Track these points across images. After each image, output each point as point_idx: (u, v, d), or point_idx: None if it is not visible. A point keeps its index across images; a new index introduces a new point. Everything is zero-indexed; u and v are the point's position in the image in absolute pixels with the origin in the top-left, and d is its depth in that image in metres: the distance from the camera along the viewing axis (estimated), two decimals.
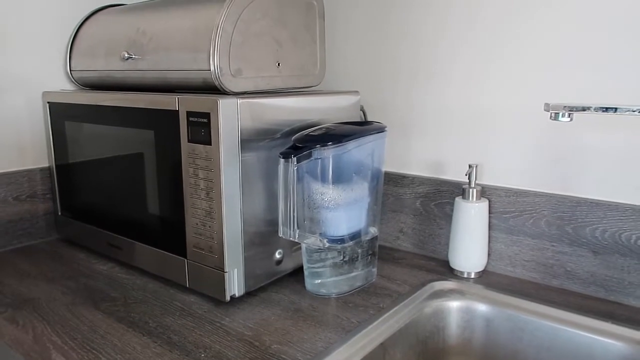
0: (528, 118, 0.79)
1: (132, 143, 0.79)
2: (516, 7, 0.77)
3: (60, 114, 0.92)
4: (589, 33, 0.72)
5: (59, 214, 0.97)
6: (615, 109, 0.53)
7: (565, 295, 0.75)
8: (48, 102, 0.93)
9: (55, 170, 0.96)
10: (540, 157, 0.79)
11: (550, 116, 0.55)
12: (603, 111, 0.52)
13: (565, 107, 0.54)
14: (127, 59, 0.81)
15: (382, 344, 0.64)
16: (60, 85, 0.99)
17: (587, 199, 0.74)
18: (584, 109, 0.54)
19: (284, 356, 0.59)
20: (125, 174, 0.81)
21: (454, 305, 0.76)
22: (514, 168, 0.81)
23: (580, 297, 0.75)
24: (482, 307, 0.75)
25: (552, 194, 0.77)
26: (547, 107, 0.55)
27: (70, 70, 0.95)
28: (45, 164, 0.99)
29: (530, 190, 0.80)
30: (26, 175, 0.96)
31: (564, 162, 0.76)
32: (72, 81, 0.97)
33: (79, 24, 0.95)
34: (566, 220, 0.76)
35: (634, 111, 0.53)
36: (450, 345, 0.76)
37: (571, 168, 0.76)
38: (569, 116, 0.54)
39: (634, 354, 0.62)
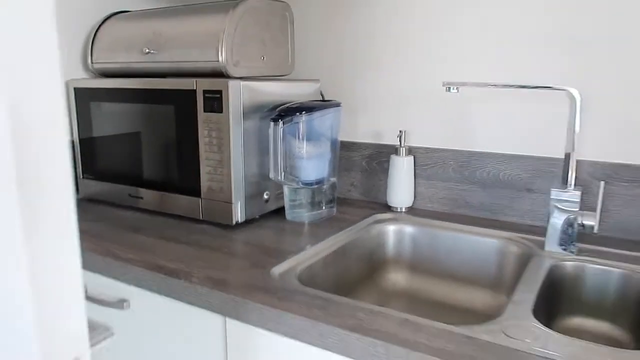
0: (438, 96, 1.13)
1: (153, 116, 1.06)
2: (428, 21, 1.11)
3: (85, 97, 1.17)
4: (474, 40, 1.06)
5: (82, 177, 1.22)
6: (486, 84, 0.87)
7: (465, 218, 1.10)
8: (74, 88, 1.18)
9: (78, 143, 1.21)
10: (446, 123, 1.13)
11: (446, 89, 0.89)
12: (476, 86, 0.86)
13: (450, 83, 0.88)
14: (147, 53, 1.08)
15: (342, 246, 0.95)
16: (76, 75, 1.23)
17: (478, 151, 1.09)
18: (463, 84, 0.88)
19: (278, 249, 0.89)
20: (145, 139, 1.08)
21: (390, 228, 1.08)
22: (430, 132, 1.15)
23: (475, 218, 1.10)
24: (409, 229, 1.08)
25: (454, 149, 1.12)
26: (444, 84, 0.89)
27: (92, 63, 1.20)
28: (69, 138, 1.23)
29: (440, 148, 1.14)
30: None
31: (462, 126, 1.11)
32: (92, 72, 1.22)
33: (97, 26, 1.20)
34: (464, 167, 1.11)
35: (496, 85, 0.88)
36: (388, 256, 1.09)
37: (467, 130, 1.11)
38: (456, 89, 0.88)
39: (501, 244, 0.97)
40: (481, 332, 0.61)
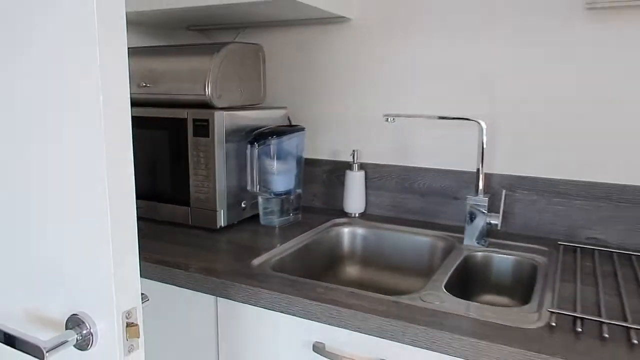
0: (383, 122, 1.38)
1: (150, 139, 1.27)
2: (373, 59, 1.37)
3: None
4: (410, 77, 1.33)
5: None
6: (415, 116, 1.13)
7: (407, 221, 1.35)
8: None
9: None
10: (391, 143, 1.38)
11: (385, 119, 1.14)
12: (407, 117, 1.11)
13: (388, 114, 1.13)
14: (144, 86, 1.30)
15: (306, 244, 1.19)
16: None
17: (416, 166, 1.35)
18: (398, 116, 1.14)
19: (255, 247, 1.11)
20: (142, 158, 1.29)
21: (345, 230, 1.33)
22: (378, 151, 1.41)
23: (415, 221, 1.35)
24: (360, 230, 1.32)
25: (398, 165, 1.38)
26: (383, 115, 1.15)
27: None
28: None
29: (386, 164, 1.39)
30: None
31: (403, 146, 1.37)
32: None
33: None
34: (406, 180, 1.37)
35: (422, 116, 1.14)
36: (344, 253, 1.33)
37: (407, 149, 1.37)
38: (393, 119, 1.14)
39: (432, 241, 1.23)
40: (404, 299, 0.86)
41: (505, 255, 1.12)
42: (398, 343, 0.79)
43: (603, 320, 0.77)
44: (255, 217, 1.33)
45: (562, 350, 0.69)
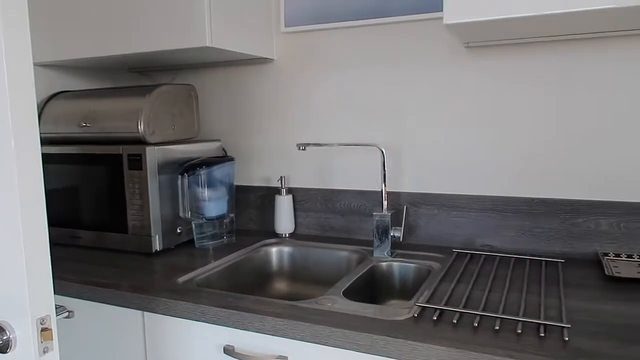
0: (307, 150, 1.54)
1: (88, 174, 1.40)
2: (294, 96, 1.54)
3: None
4: (325, 110, 1.49)
5: None
6: (323, 144, 1.29)
7: (331, 239, 1.49)
8: None
9: None
10: (315, 169, 1.54)
11: (298, 148, 1.30)
12: (316, 146, 1.27)
13: (300, 144, 1.29)
14: (84, 126, 1.43)
15: (235, 263, 1.32)
16: None
17: (337, 189, 1.51)
18: (308, 145, 1.29)
19: (185, 267, 1.24)
20: (83, 191, 1.41)
21: (273, 249, 1.46)
22: (304, 176, 1.56)
23: (338, 238, 1.49)
24: (287, 248, 1.46)
25: (321, 188, 1.53)
26: (297, 144, 1.30)
27: (40, 133, 1.52)
28: None
29: (312, 187, 1.54)
30: None
31: (326, 171, 1.52)
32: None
33: (44, 103, 1.54)
34: (329, 201, 1.52)
35: (331, 145, 1.30)
36: (273, 270, 1.46)
37: (329, 174, 1.52)
38: (304, 148, 1.30)
39: (348, 255, 1.37)
40: (302, 303, 0.99)
41: (406, 264, 1.27)
42: (292, 340, 0.92)
43: (459, 310, 0.92)
44: (192, 241, 1.45)
45: (412, 334, 0.83)
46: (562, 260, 1.22)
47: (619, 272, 1.10)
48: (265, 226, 1.62)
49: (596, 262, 1.20)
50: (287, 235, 1.54)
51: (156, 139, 1.39)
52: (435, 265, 1.23)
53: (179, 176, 1.37)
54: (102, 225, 1.40)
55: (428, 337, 0.83)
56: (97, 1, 1.40)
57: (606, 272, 1.09)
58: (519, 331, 0.84)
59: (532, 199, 1.29)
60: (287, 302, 1.00)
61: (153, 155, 1.33)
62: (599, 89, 1.21)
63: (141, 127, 1.34)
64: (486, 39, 1.24)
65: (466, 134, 1.35)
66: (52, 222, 1.48)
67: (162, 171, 1.36)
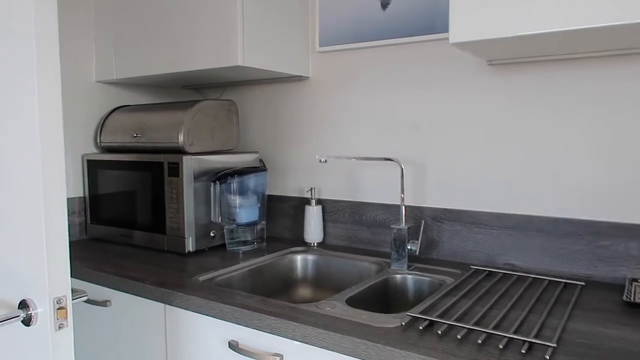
0: (336, 162, 1.59)
1: (137, 179, 1.55)
2: (325, 114, 1.60)
3: (94, 166, 1.67)
4: (351, 126, 1.54)
5: (90, 222, 1.70)
6: (342, 157, 1.34)
7: (357, 250, 1.53)
8: (87, 159, 1.69)
9: (87, 197, 1.70)
10: (343, 182, 1.59)
11: (319, 161, 1.36)
12: (337, 158, 1.33)
13: (321, 156, 1.35)
14: (136, 136, 1.59)
15: (258, 267, 1.40)
16: (88, 150, 1.74)
17: (364, 202, 1.54)
18: (329, 157, 1.35)
19: (213, 268, 1.33)
20: (133, 195, 1.57)
21: (299, 256, 1.52)
22: (334, 188, 1.61)
23: (363, 250, 1.53)
24: (312, 257, 1.51)
25: (349, 200, 1.57)
26: (317, 157, 1.36)
27: (100, 142, 1.71)
28: (81, 195, 1.72)
29: (340, 199, 1.59)
30: (69, 201, 1.69)
31: (355, 183, 1.57)
32: (99, 148, 1.73)
33: (106, 116, 1.73)
34: (355, 213, 1.56)
35: (349, 158, 1.35)
36: (297, 276, 1.52)
37: (356, 187, 1.56)
38: (325, 161, 1.35)
39: (368, 266, 1.40)
40: (302, 306, 1.04)
41: (421, 277, 1.27)
42: (287, 339, 0.97)
43: (449, 322, 0.92)
44: (225, 245, 1.55)
45: (394, 341, 0.85)
46: (583, 283, 1.17)
47: None
48: (296, 235, 1.68)
49: (620, 287, 1.14)
50: (316, 245, 1.60)
51: (195, 149, 1.51)
52: (449, 280, 1.23)
53: (212, 183, 1.48)
54: (147, 226, 1.54)
55: (409, 345, 0.84)
56: (151, 25, 1.57)
57: (624, 297, 1.04)
58: (501, 347, 0.83)
59: (557, 219, 1.25)
60: (288, 303, 1.05)
61: (189, 164, 1.45)
62: (626, 106, 1.16)
63: (181, 138, 1.47)
64: (505, 56, 1.24)
65: (489, 151, 1.34)
66: (107, 222, 1.65)
67: (199, 179, 1.48)
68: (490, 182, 1.34)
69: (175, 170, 1.45)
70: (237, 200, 1.49)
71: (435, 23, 1.39)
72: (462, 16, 1.03)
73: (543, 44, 1.07)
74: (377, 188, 1.53)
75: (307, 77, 1.65)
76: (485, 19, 1.00)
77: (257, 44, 1.44)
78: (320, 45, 1.60)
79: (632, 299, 1.04)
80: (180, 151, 1.49)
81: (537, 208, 1.28)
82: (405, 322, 0.94)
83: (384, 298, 1.27)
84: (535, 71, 1.27)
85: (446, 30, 1.36)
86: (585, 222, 1.22)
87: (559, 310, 1.00)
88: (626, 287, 1.09)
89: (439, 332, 0.89)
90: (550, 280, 1.20)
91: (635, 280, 1.14)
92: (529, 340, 0.84)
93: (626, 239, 1.17)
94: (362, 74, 1.54)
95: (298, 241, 1.65)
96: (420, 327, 0.91)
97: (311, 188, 1.60)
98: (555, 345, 0.83)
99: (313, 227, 1.59)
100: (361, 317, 0.98)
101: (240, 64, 1.38)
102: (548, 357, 0.79)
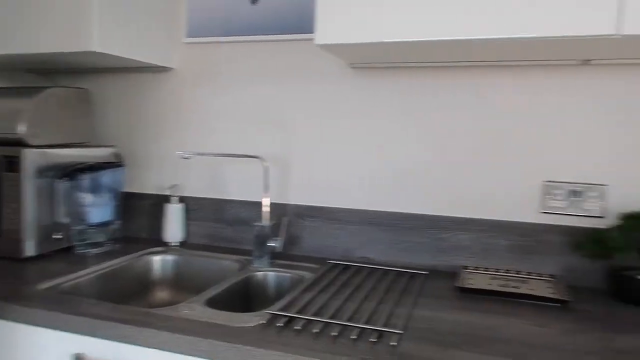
0: (199, 159, 1.55)
1: None
2: (185, 105, 1.55)
3: None
4: (211, 121, 1.52)
5: None
6: (202, 154, 1.31)
7: (221, 248, 1.50)
8: None
9: None
10: (208, 178, 1.55)
11: (180, 157, 1.31)
12: (200, 155, 1.29)
13: (181, 153, 1.30)
14: None
15: (111, 270, 1.30)
16: None
17: (226, 199, 1.52)
18: (191, 153, 1.31)
19: (57, 274, 1.21)
20: None
21: (156, 257, 1.45)
22: (196, 185, 1.56)
23: (226, 248, 1.51)
24: (171, 257, 1.45)
25: (212, 198, 1.54)
26: (177, 153, 1.31)
27: None
28: None
29: (204, 197, 1.55)
30: None
31: (219, 180, 1.54)
32: None
33: None
34: (219, 211, 1.53)
35: (205, 154, 1.32)
36: (156, 279, 1.45)
37: (222, 184, 1.53)
38: (188, 157, 1.31)
39: (230, 264, 1.39)
40: (158, 311, 0.99)
41: (282, 274, 1.30)
42: (142, 347, 0.92)
43: (308, 317, 0.96)
44: (73, 247, 1.42)
45: (253, 340, 0.86)
46: (427, 273, 1.29)
47: (471, 284, 1.18)
48: (156, 235, 1.60)
49: (457, 275, 1.28)
50: (176, 244, 1.54)
51: (40, 141, 1.35)
52: (308, 275, 1.27)
53: (58, 180, 1.34)
54: None
55: (267, 343, 0.85)
56: None
57: (457, 283, 1.17)
58: (355, 337, 0.88)
59: (405, 214, 1.36)
60: (142, 309, 1.00)
61: (32, 158, 1.30)
62: (468, 113, 1.31)
63: (21, 129, 1.31)
64: (366, 61, 1.31)
65: (348, 150, 1.41)
66: None
67: (44, 175, 1.33)
68: (349, 180, 1.41)
69: (15, 164, 1.28)
70: (88, 198, 1.37)
71: (302, 22, 1.42)
72: (327, 20, 1.06)
73: (403, 52, 1.16)
74: (241, 185, 1.52)
75: (172, 69, 1.57)
76: (350, 25, 1.05)
77: (115, 29, 1.33)
78: (187, 37, 1.54)
79: (463, 285, 1.17)
80: (21, 143, 1.33)
81: (389, 204, 1.38)
82: (266, 320, 0.95)
83: (245, 297, 1.27)
84: (391, 76, 1.36)
85: (312, 30, 1.40)
86: (429, 217, 1.34)
87: (407, 299, 1.10)
88: (460, 275, 1.23)
89: (298, 328, 0.91)
90: (399, 272, 1.30)
91: (466, 268, 1.29)
92: (379, 329, 0.91)
93: (461, 231, 1.32)
94: (230, 69, 1.51)
95: (157, 241, 1.57)
96: (280, 324, 0.93)
97: (172, 185, 1.54)
98: (402, 332, 0.90)
99: (174, 226, 1.53)
100: (220, 318, 0.96)
101: (94, 49, 1.27)
102: (395, 344, 0.86)
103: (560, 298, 1.09)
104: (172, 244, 1.53)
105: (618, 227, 1.14)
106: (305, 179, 1.45)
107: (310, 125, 1.44)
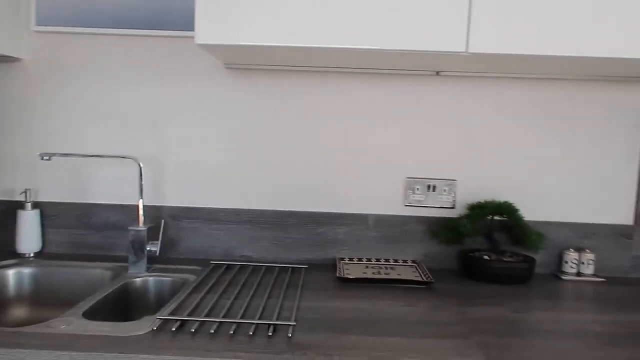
0: (59, 160, 1.41)
1: None
2: (62, 103, 1.40)
3: None
4: (85, 119, 1.40)
5: None
6: (67, 154, 1.20)
7: (87, 257, 1.38)
8: None
9: None
10: (70, 181, 1.42)
11: (41, 158, 1.18)
12: (63, 156, 1.18)
13: (45, 153, 1.18)
14: None
15: None
16: None
17: (91, 203, 1.41)
18: (54, 154, 1.19)
19: None
20: None
21: (10, 271, 1.29)
22: (56, 189, 1.42)
23: (92, 256, 1.40)
24: (28, 270, 1.30)
25: (75, 202, 1.41)
26: (39, 154, 1.19)
27: None
28: None
29: (64, 202, 1.42)
30: None
31: (82, 183, 1.42)
32: None
33: None
34: (83, 216, 1.41)
35: (83, 155, 1.21)
36: (10, 295, 1.29)
37: (87, 187, 1.42)
38: (49, 158, 1.19)
39: (102, 273, 1.29)
40: (30, 328, 0.90)
41: (162, 278, 1.25)
42: None
43: (200, 319, 0.95)
44: None
45: (147, 348, 0.83)
46: (306, 266, 1.36)
47: (348, 274, 1.27)
48: (6, 246, 1.42)
49: (334, 267, 1.37)
50: (32, 255, 1.38)
51: None
52: (191, 277, 1.25)
53: None
54: None
55: (163, 349, 0.83)
56: None
57: (337, 274, 1.26)
58: (251, 333, 0.90)
59: (283, 212, 1.41)
60: (8, 329, 0.89)
61: None
62: (335, 114, 1.40)
63: None
64: (240, 62, 1.33)
65: (225, 150, 1.41)
66: None
67: None
68: (226, 179, 1.41)
69: None
70: None
71: (168, 17, 1.37)
72: (207, 20, 1.05)
73: (280, 55, 1.19)
74: (111, 188, 1.42)
75: (20, 59, 1.40)
76: (230, 26, 1.05)
77: None
78: (37, 24, 1.38)
79: (342, 275, 1.26)
80: None
81: (267, 203, 1.41)
82: (156, 326, 0.91)
83: (124, 305, 1.20)
84: (265, 77, 1.39)
85: (178, 27, 1.37)
86: (306, 214, 1.41)
87: (292, 293, 1.14)
88: (338, 267, 1.32)
89: (192, 331, 0.90)
90: (280, 267, 1.35)
91: (342, 259, 1.39)
92: (273, 323, 0.94)
93: (335, 225, 1.41)
94: (97, 63, 1.40)
95: (8, 253, 1.39)
96: (173, 329, 0.91)
97: (25, 189, 1.38)
98: (294, 323, 0.95)
99: (28, 235, 1.37)
100: (105, 330, 0.91)
101: None
102: (290, 335, 0.90)
103: (424, 280, 1.23)
104: (27, 255, 1.37)
105: (466, 216, 1.34)
106: (183, 180, 1.41)
107: (185, 124, 1.40)
